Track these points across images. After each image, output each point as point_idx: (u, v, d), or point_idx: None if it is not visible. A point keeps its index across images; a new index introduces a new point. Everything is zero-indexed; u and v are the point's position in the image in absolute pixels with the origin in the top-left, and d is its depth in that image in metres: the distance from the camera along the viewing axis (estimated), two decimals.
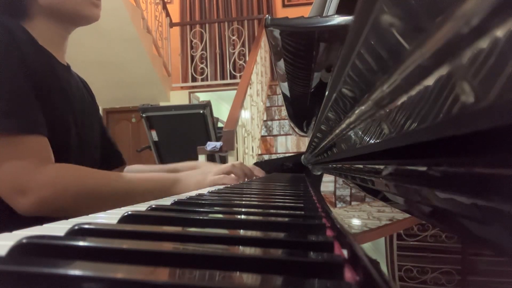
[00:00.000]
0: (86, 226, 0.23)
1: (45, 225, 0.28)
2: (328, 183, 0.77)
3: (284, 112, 4.23)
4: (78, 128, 0.79)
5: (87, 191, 0.67)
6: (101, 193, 0.68)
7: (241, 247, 0.20)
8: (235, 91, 3.09)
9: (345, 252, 0.20)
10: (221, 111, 5.24)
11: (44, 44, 0.74)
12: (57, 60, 0.78)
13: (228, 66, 5.22)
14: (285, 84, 0.79)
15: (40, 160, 0.64)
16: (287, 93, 0.86)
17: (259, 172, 1.29)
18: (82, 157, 0.79)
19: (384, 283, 0.14)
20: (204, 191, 0.61)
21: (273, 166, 1.73)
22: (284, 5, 5.74)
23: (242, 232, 0.25)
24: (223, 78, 5.29)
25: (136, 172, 1.00)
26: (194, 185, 0.78)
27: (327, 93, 0.44)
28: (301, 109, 1.02)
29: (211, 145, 2.61)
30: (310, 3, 0.97)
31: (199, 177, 0.80)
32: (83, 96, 0.87)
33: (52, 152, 0.68)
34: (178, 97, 5.14)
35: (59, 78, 0.76)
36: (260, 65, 4.21)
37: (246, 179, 0.89)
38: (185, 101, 5.12)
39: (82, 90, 0.88)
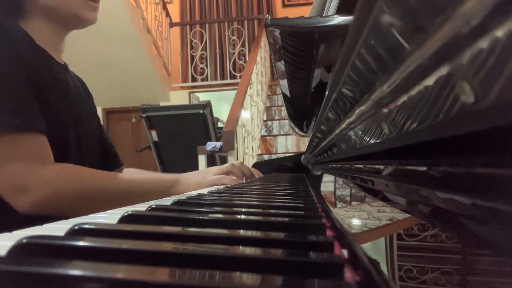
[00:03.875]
0: (86, 226, 0.23)
1: (45, 225, 0.28)
2: (328, 183, 0.77)
3: (284, 112, 4.23)
4: (77, 128, 0.78)
5: (87, 192, 0.67)
6: (101, 194, 0.68)
7: (241, 247, 0.20)
8: (235, 91, 3.09)
9: (345, 252, 0.20)
10: (221, 111, 5.24)
11: (41, 43, 0.74)
12: (54, 59, 0.78)
13: (228, 66, 5.22)
14: (285, 84, 0.79)
15: (40, 159, 0.65)
16: (287, 93, 0.86)
17: (257, 174, 1.28)
18: (81, 157, 0.79)
19: (384, 283, 0.14)
20: (204, 191, 0.61)
21: (273, 166, 1.72)
22: (284, 5, 5.74)
23: (242, 232, 0.25)
24: (223, 78, 5.29)
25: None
26: (193, 185, 0.78)
27: (327, 93, 0.44)
28: (301, 109, 1.02)
29: (211, 145, 2.61)
30: (310, 3, 0.97)
31: (199, 177, 0.80)
32: (81, 95, 0.86)
33: (52, 150, 0.68)
34: (178, 97, 5.14)
35: (57, 77, 0.76)
36: (260, 65, 4.21)
37: (245, 179, 0.89)
38: (185, 101, 5.12)
39: (79, 89, 0.88)
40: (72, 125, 0.77)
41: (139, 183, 0.75)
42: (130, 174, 0.87)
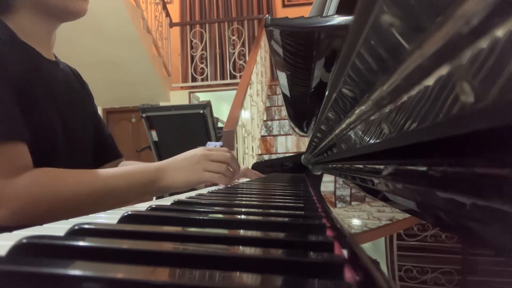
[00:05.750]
0: (86, 226, 0.23)
1: (45, 225, 0.28)
2: (328, 183, 0.77)
3: (284, 112, 4.23)
4: (66, 125, 0.76)
5: (63, 197, 0.64)
6: (78, 197, 0.65)
7: (241, 247, 0.20)
8: (235, 91, 3.09)
9: (345, 252, 0.20)
10: (221, 111, 5.24)
11: (28, 39, 0.72)
12: (42, 55, 0.75)
13: (228, 66, 5.22)
14: (285, 84, 0.79)
15: (15, 170, 0.62)
16: (287, 93, 0.85)
17: (256, 176, 1.26)
18: (71, 155, 0.77)
19: (384, 283, 0.14)
20: (204, 191, 0.61)
21: (273, 166, 1.72)
22: (284, 5, 5.74)
23: (242, 232, 0.25)
24: (223, 78, 5.29)
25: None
26: (183, 181, 0.73)
27: (327, 93, 0.44)
28: (301, 109, 1.02)
29: (211, 145, 2.61)
30: (310, 3, 0.97)
31: (188, 172, 0.74)
32: (73, 89, 0.84)
33: (37, 155, 0.66)
34: (178, 97, 5.14)
35: (43, 75, 0.73)
36: (260, 65, 4.21)
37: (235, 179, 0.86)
38: (185, 101, 5.12)
39: (72, 83, 0.85)
40: (61, 123, 0.74)
41: (116, 179, 0.70)
42: (111, 168, 0.80)
